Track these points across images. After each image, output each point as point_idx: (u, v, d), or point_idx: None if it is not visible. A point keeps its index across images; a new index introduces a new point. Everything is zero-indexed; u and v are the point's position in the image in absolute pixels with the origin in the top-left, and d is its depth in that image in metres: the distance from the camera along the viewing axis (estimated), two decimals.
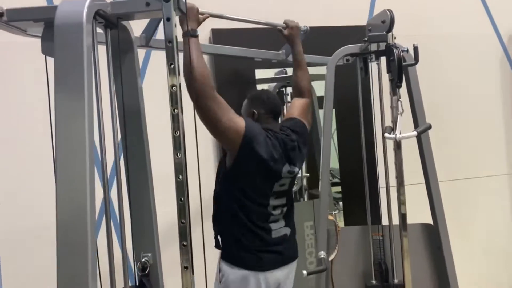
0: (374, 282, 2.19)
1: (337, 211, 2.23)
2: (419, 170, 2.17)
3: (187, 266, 1.20)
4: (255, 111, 2.00)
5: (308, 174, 3.08)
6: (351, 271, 2.24)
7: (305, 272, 1.96)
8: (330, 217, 2.20)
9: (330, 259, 2.19)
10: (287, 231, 2.02)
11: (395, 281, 2.17)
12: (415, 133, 1.80)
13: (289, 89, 3.19)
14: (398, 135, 1.78)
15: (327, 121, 2.19)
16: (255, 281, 1.87)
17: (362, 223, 2.30)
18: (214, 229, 2.00)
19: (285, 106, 3.22)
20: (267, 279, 1.90)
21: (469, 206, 3.20)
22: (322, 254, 2.15)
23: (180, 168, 1.18)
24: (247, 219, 1.87)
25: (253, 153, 1.80)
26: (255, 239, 1.90)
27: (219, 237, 1.95)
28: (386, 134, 1.84)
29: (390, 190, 2.21)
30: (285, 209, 2.02)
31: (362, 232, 2.25)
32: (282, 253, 1.97)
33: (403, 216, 2.00)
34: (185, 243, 1.20)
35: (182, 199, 1.20)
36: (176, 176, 1.19)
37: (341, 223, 2.62)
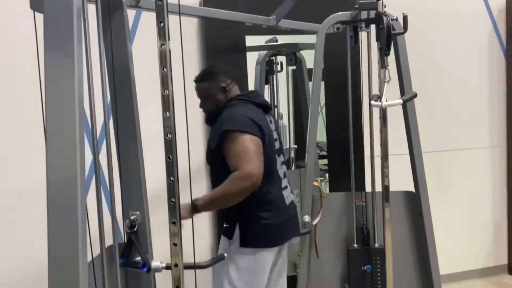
0: (355, 245, 2.27)
1: (322, 178, 2.28)
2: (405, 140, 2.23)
3: (174, 221, 1.24)
4: (225, 85, 1.97)
5: (296, 146, 3.14)
6: (334, 236, 2.32)
7: None
8: (315, 183, 2.26)
9: (314, 223, 2.26)
10: (292, 197, 2.07)
11: (376, 245, 2.25)
12: (400, 101, 1.84)
13: (280, 58, 3.20)
14: (384, 103, 1.81)
15: (316, 87, 2.22)
16: (274, 257, 1.95)
17: (347, 190, 2.36)
18: (226, 217, 1.98)
19: (275, 76, 3.23)
20: (281, 251, 2.00)
21: (453, 176, 3.29)
22: (307, 218, 2.22)
23: (169, 126, 1.20)
24: (264, 190, 1.87)
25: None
26: (273, 210, 1.90)
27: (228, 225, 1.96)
28: (372, 102, 1.87)
29: (375, 160, 2.27)
30: (285, 167, 2.07)
31: (346, 198, 2.32)
32: (295, 221, 2.03)
33: (386, 188, 2.05)
34: (173, 200, 1.24)
35: (171, 157, 1.22)
36: (165, 135, 1.22)
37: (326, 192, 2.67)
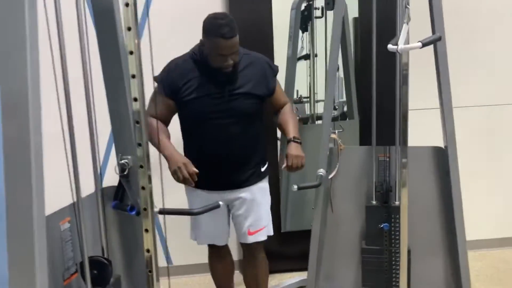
0: (374, 202, 2.15)
1: (341, 130, 2.14)
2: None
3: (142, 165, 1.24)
4: None
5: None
6: (351, 191, 2.21)
7: (295, 186, 1.95)
8: (333, 136, 2.14)
9: (329, 177, 2.16)
10: None
11: (396, 203, 2.11)
12: (419, 44, 1.63)
13: (318, 2, 3.00)
14: (400, 46, 1.63)
15: (335, 37, 2.06)
16: None
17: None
18: (254, 163, 2.08)
19: (314, 22, 3.04)
20: None
21: (497, 134, 2.98)
22: (321, 171, 2.13)
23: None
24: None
25: None
26: None
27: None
28: (389, 46, 1.68)
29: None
30: None
31: (367, 153, 2.18)
32: None
33: (404, 143, 1.89)
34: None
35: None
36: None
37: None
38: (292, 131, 2.09)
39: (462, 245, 2.08)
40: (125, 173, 1.54)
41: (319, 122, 2.91)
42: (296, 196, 2.90)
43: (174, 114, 2.08)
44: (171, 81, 1.97)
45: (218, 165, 2.02)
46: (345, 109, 3.08)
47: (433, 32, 1.96)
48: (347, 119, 3.00)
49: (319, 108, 3.06)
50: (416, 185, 2.15)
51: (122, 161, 1.54)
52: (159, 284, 1.32)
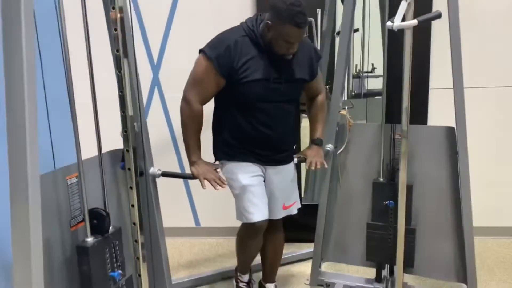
0: (381, 179, 2.17)
1: (351, 107, 2.17)
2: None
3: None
4: None
5: None
6: (359, 167, 2.24)
7: (295, 159, 2.03)
8: (343, 112, 2.18)
9: (338, 152, 2.21)
10: None
11: None
12: (415, 21, 1.62)
13: None
14: (396, 23, 1.62)
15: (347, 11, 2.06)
16: None
17: None
18: (291, 143, 2.16)
19: None
20: None
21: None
22: (329, 146, 2.18)
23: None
24: None
25: None
26: None
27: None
28: (388, 23, 1.68)
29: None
30: None
31: (376, 130, 2.19)
32: None
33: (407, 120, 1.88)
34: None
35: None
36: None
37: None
38: (317, 131, 2.16)
39: (468, 227, 2.05)
40: None
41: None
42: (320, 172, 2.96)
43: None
44: (228, 59, 1.85)
45: (264, 144, 2.02)
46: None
47: (449, 12, 1.90)
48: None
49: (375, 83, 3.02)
50: (427, 164, 2.14)
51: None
52: (142, 237, 1.49)
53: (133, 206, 1.47)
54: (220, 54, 1.85)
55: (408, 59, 1.76)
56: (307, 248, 2.82)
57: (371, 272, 2.30)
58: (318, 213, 2.28)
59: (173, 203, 2.73)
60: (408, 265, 2.15)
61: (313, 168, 2.06)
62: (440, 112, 2.67)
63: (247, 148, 2.00)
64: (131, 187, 1.47)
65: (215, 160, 2.09)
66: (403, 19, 1.66)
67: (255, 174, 2.02)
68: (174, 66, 2.83)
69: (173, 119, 2.90)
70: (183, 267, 2.68)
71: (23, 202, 1.25)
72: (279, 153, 2.09)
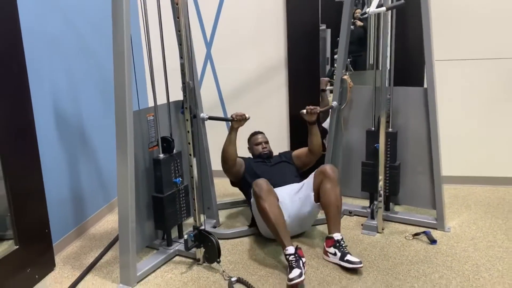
0: (373, 128, 2.84)
1: (351, 72, 2.84)
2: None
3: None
4: None
5: None
6: (360, 119, 2.93)
7: (304, 111, 2.75)
8: (344, 76, 2.86)
9: (341, 107, 2.91)
10: None
11: (390, 129, 2.76)
12: (383, 8, 2.27)
13: None
14: (371, 9, 2.27)
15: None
16: None
17: None
18: None
19: None
20: None
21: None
22: (334, 103, 2.89)
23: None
24: None
25: None
26: None
27: None
28: (365, 9, 2.35)
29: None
30: None
31: (370, 91, 2.85)
32: None
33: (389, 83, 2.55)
34: None
35: None
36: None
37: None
38: None
39: (436, 165, 2.69)
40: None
41: None
42: None
43: None
44: None
45: None
46: None
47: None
48: None
49: None
50: (410, 116, 2.77)
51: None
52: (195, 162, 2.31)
53: (189, 143, 2.29)
54: None
55: (387, 38, 2.43)
56: None
57: (367, 203, 2.99)
58: (325, 156, 3.01)
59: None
60: (393, 194, 2.83)
61: (307, 111, 2.71)
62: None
63: None
64: (188, 131, 2.29)
65: None
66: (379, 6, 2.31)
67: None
68: (222, 45, 3.64)
69: (220, 85, 3.71)
70: (228, 196, 3.46)
71: (123, 129, 2.11)
72: None
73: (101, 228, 2.99)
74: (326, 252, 2.42)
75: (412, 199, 2.89)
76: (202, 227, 2.36)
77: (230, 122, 2.66)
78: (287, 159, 2.92)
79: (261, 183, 2.42)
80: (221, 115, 3.72)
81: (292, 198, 2.59)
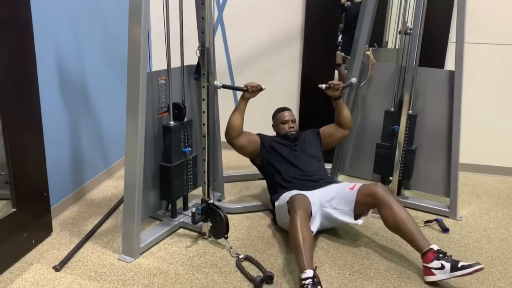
0: (392, 109, 2.72)
1: (375, 48, 2.69)
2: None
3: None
4: None
5: None
6: (377, 99, 2.80)
7: (323, 85, 2.60)
8: (368, 52, 2.71)
9: (361, 85, 2.77)
10: None
11: (410, 111, 2.64)
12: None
13: None
14: None
15: None
16: None
17: None
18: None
19: None
20: None
21: None
22: (353, 79, 2.75)
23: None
24: None
25: None
26: None
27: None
28: None
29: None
30: None
31: (393, 70, 2.71)
32: None
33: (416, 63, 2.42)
34: None
35: None
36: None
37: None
38: None
39: (455, 151, 2.59)
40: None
41: None
42: None
43: None
44: None
45: None
46: None
47: None
48: None
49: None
50: (431, 99, 2.65)
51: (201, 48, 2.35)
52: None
53: (204, 112, 2.13)
54: None
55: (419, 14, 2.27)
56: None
57: None
58: None
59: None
60: (406, 178, 2.74)
61: (330, 86, 2.53)
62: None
63: None
64: (204, 99, 2.13)
65: None
66: None
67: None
68: (235, 9, 3.43)
69: (230, 49, 3.53)
70: (230, 168, 3.35)
71: (136, 91, 1.95)
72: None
73: (100, 194, 2.85)
74: (429, 271, 1.98)
75: (425, 185, 2.81)
76: (211, 201, 2.24)
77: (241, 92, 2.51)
78: (313, 139, 2.69)
79: (300, 203, 2.15)
80: (229, 83, 3.55)
81: (322, 204, 2.34)
